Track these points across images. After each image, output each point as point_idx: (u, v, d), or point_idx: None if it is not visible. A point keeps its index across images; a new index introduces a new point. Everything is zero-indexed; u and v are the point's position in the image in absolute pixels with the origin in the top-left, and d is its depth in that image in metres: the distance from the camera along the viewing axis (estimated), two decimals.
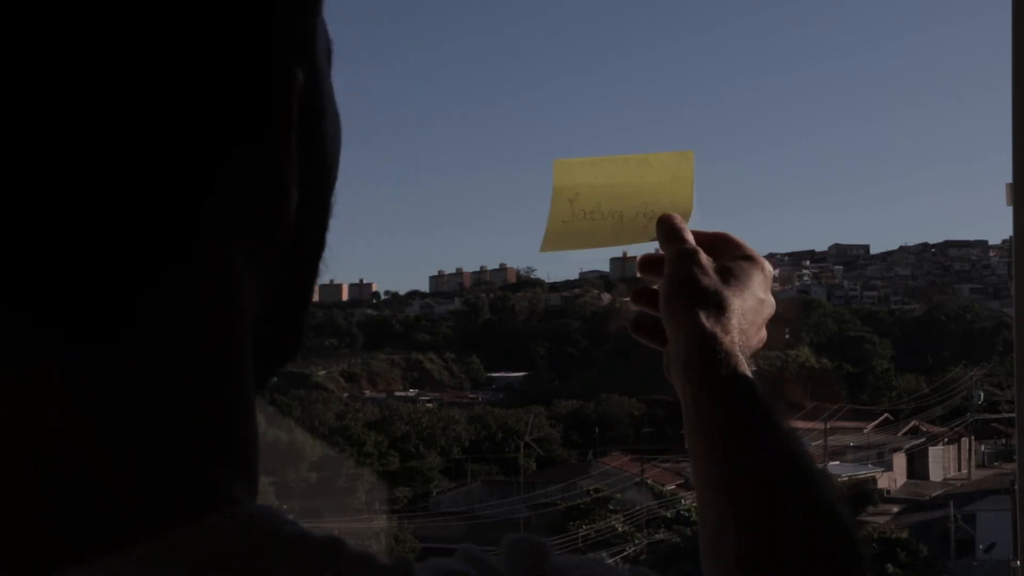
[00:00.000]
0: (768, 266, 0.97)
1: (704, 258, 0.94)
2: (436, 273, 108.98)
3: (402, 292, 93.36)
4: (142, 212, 0.42)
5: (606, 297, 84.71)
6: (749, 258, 0.96)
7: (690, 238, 0.96)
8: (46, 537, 0.41)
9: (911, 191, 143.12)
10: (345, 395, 54.38)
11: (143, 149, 0.41)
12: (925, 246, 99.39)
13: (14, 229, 0.40)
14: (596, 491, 30.32)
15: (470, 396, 60.81)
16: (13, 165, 0.40)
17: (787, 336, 64.05)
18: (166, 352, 0.44)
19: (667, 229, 0.97)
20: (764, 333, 0.96)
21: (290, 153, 0.46)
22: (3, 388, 0.42)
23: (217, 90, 0.43)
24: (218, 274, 0.46)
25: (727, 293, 0.91)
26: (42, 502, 0.41)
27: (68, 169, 0.40)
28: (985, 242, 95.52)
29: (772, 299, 0.97)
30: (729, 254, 0.97)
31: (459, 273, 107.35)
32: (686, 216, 1.00)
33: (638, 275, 1.00)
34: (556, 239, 1.00)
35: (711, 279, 0.92)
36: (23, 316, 0.42)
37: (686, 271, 0.93)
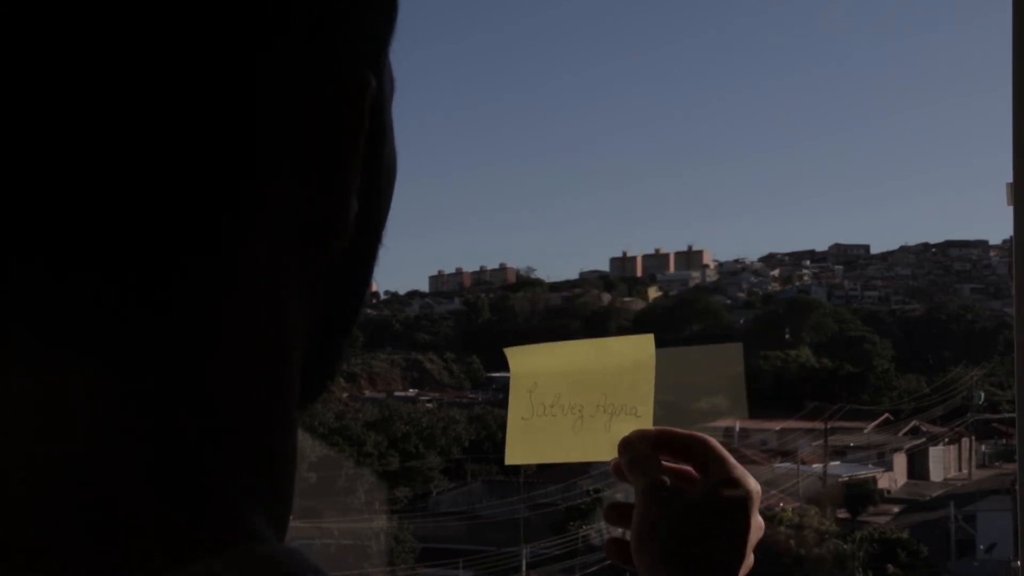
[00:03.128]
0: (755, 487, 0.89)
1: (676, 495, 0.87)
2: (436, 273, 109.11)
3: (402, 292, 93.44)
4: (181, 195, 0.40)
5: (606, 297, 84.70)
6: (733, 483, 0.88)
7: (655, 467, 0.88)
8: (49, 552, 0.38)
9: (911, 191, 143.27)
10: (345, 395, 54.39)
11: (191, 137, 0.40)
12: (926, 246, 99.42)
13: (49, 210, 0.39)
14: (596, 491, 30.30)
15: (470, 396, 60.81)
16: (59, 149, 0.38)
17: (787, 336, 64.09)
18: (195, 354, 0.41)
19: (633, 457, 0.90)
20: (750, 559, 0.89)
21: (356, 158, 0.44)
22: (36, 379, 0.40)
23: (280, 82, 0.42)
24: (262, 273, 0.43)
25: (705, 545, 0.85)
26: (52, 509, 0.39)
27: (111, 153, 0.39)
28: (986, 242, 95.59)
29: (760, 521, 0.89)
30: (711, 472, 0.89)
31: (459, 273, 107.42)
32: (647, 405, 0.94)
33: (604, 523, 0.94)
34: (519, 446, 0.96)
35: (685, 526, 0.85)
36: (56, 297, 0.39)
37: (655, 517, 0.86)
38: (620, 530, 0.90)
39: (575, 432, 0.95)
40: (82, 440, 0.39)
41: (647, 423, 0.93)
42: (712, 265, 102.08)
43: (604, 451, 0.94)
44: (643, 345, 0.96)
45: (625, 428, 0.93)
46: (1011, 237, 1.55)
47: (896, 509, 37.33)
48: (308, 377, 0.47)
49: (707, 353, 0.97)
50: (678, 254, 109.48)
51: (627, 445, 0.91)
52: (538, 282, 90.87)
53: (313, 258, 0.44)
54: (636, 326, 77.31)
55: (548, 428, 0.96)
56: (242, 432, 0.42)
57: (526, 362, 0.96)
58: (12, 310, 0.39)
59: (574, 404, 0.95)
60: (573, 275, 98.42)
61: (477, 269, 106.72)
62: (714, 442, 0.90)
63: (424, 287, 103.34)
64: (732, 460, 0.89)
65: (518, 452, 0.96)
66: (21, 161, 0.38)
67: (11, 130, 0.38)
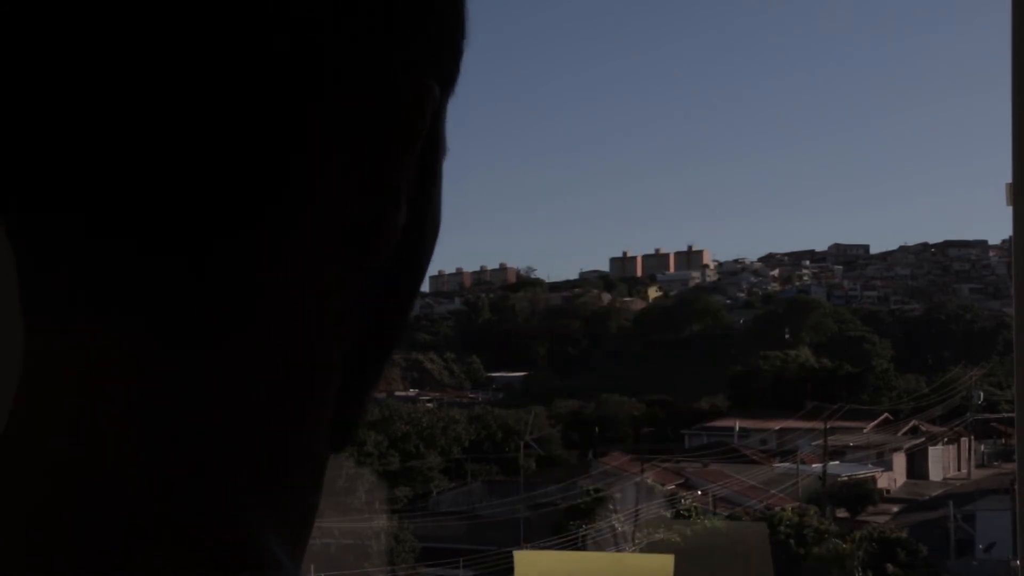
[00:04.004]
0: None
1: None
2: (436, 273, 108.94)
3: None
4: (230, 170, 0.40)
5: (606, 297, 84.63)
6: None
7: None
8: (52, 552, 0.37)
9: (911, 191, 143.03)
10: None
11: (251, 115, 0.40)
12: (925, 246, 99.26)
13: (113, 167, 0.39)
14: (596, 491, 30.30)
15: (470, 396, 60.82)
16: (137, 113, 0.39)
17: (787, 336, 64.03)
18: (221, 334, 0.41)
19: None
20: None
21: (410, 161, 0.44)
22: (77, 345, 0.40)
23: (342, 77, 0.42)
24: (302, 266, 0.42)
25: None
26: (65, 508, 0.38)
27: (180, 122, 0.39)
28: (985, 242, 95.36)
29: None
30: None
31: (459, 273, 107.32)
32: None
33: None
34: None
35: None
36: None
37: None
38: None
39: None
40: (99, 431, 0.39)
41: None
42: (712, 265, 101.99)
43: None
44: (661, 566, 0.93)
45: None
46: (1010, 237, 1.56)
47: (895, 509, 37.31)
48: (344, 397, 0.45)
49: (734, 530, 0.92)
50: (678, 254, 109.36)
51: None
52: (538, 282, 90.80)
53: (357, 261, 0.44)
54: (636, 326, 77.36)
55: None
56: (251, 430, 0.41)
57: (532, 569, 0.92)
58: (60, 269, 0.40)
59: None
60: (573, 275, 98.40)
61: (477, 269, 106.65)
62: None
63: (424, 287, 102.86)
64: None
65: None
66: (67, 119, 0.39)
67: (59, 91, 0.38)
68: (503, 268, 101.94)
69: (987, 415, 45.51)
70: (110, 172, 0.39)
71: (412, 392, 60.38)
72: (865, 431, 42.89)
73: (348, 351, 0.44)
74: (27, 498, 0.38)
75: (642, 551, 26.96)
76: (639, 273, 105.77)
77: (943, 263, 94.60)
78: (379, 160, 0.43)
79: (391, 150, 0.43)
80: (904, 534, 28.97)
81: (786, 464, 35.30)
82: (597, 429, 42.08)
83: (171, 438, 0.39)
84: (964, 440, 45.00)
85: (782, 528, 26.76)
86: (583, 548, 26.90)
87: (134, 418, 0.39)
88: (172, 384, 0.39)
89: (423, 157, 0.45)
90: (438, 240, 0.48)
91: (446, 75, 0.46)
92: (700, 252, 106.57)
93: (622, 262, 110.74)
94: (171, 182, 0.39)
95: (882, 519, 33.58)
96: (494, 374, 68.32)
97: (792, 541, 26.86)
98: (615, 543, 27.40)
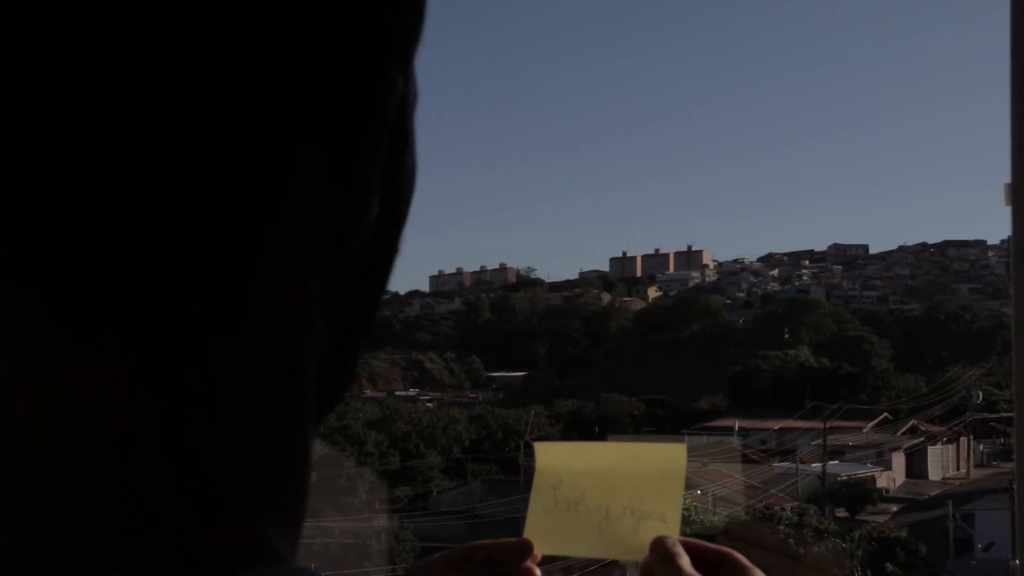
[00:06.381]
0: None
1: None
2: (436, 273, 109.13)
3: (402, 292, 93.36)
4: (205, 179, 0.39)
5: (606, 297, 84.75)
6: None
7: (686, 566, 0.89)
8: (53, 555, 0.37)
9: (910, 191, 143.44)
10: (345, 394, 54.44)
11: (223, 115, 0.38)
12: (924, 246, 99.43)
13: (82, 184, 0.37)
14: None
15: (470, 396, 60.90)
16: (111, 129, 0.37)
17: (786, 336, 64.10)
18: (206, 341, 0.40)
19: (663, 554, 0.92)
20: None
21: (379, 158, 0.43)
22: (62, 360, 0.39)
23: (310, 79, 0.40)
24: (282, 268, 0.41)
25: None
26: (61, 510, 0.38)
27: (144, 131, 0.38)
28: (984, 242, 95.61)
29: None
30: None
31: (459, 273, 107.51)
32: (675, 512, 0.96)
33: None
34: (539, 537, 0.96)
35: None
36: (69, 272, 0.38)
37: None
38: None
39: (600, 531, 0.97)
40: (94, 433, 0.38)
41: (674, 531, 0.95)
42: (712, 265, 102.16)
43: (632, 552, 0.95)
44: (674, 453, 0.97)
45: (652, 533, 0.94)
46: (1009, 237, 1.56)
47: (895, 508, 37.35)
48: (323, 384, 0.45)
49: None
50: (678, 254, 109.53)
51: (660, 543, 0.93)
52: (538, 282, 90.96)
53: (334, 258, 0.43)
54: (636, 326, 77.43)
55: (572, 523, 0.97)
56: (252, 431, 0.41)
57: (552, 458, 0.97)
58: (25, 290, 0.38)
59: (599, 504, 0.97)
60: (573, 275, 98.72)
61: (477, 269, 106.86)
62: (741, 558, 0.90)
63: (424, 287, 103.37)
64: (756, 571, 0.89)
65: (537, 543, 0.96)
66: (35, 139, 0.37)
67: (26, 107, 0.37)
68: (503, 268, 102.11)
69: (986, 415, 45.57)
70: (74, 188, 0.37)
71: (412, 392, 60.48)
72: (864, 431, 42.93)
73: (329, 337, 0.45)
74: (26, 498, 0.38)
75: None
76: (639, 273, 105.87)
77: (942, 263, 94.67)
78: (351, 160, 0.42)
79: (362, 149, 0.43)
80: (903, 534, 28.99)
81: (785, 464, 35.33)
82: (597, 429, 42.09)
83: (167, 443, 0.39)
84: (963, 440, 45.04)
85: (781, 528, 26.79)
86: None
87: (128, 423, 0.39)
88: (160, 393, 0.39)
89: (395, 126, 0.44)
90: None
91: (409, 30, 0.45)
92: (700, 252, 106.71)
93: (622, 262, 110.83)
94: (135, 199, 0.38)
95: (881, 519, 33.61)
96: (494, 374, 68.43)
97: (791, 541, 26.89)
98: None
